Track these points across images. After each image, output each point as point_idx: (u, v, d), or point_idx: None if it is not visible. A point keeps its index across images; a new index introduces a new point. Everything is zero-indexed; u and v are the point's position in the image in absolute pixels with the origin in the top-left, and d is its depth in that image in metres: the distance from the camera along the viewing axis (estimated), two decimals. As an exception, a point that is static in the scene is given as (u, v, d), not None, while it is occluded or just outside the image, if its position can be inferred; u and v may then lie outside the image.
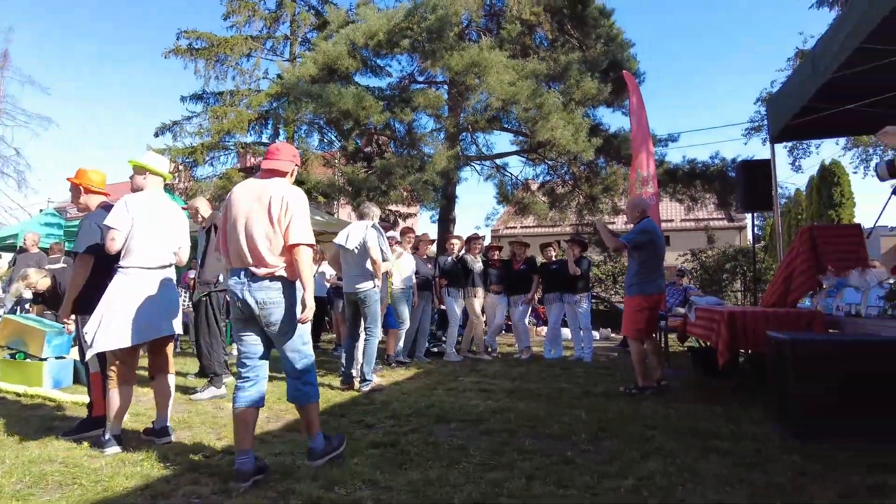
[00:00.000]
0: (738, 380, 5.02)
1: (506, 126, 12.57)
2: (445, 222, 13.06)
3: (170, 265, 3.79)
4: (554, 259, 8.06)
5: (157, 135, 15.08)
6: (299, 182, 12.47)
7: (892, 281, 3.82)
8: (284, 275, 2.96)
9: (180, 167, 14.43)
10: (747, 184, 7.35)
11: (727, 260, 13.10)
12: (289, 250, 2.95)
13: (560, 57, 11.10)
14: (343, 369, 5.53)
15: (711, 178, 12.10)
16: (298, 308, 3.00)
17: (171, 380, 3.79)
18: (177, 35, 15.03)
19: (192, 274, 7.57)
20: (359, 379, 5.41)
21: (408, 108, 10.99)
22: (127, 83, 71.17)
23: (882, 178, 2.51)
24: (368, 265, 5.45)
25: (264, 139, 15.21)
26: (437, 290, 7.88)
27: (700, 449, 3.26)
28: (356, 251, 5.43)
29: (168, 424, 3.64)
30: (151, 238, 3.63)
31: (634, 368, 5.14)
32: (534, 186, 14.39)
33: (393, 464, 3.03)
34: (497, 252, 8.29)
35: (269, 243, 2.93)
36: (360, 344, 5.62)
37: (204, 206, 5.58)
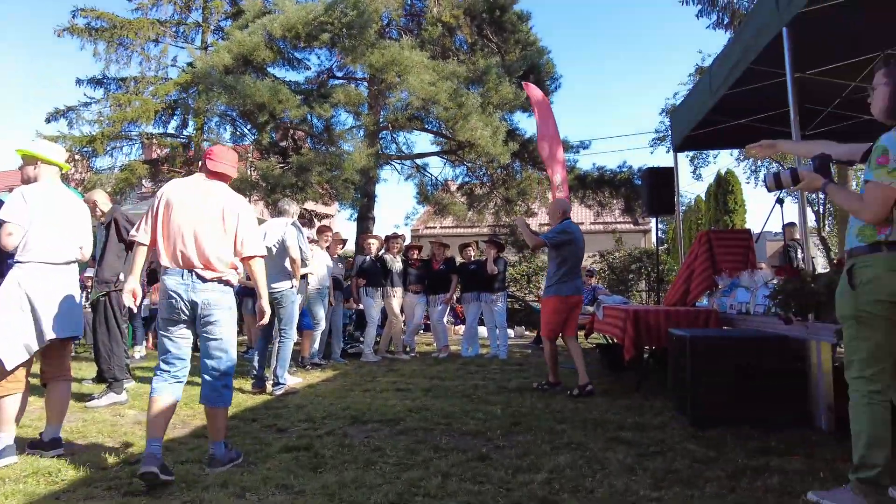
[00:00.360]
0: (642, 374, 5.30)
1: (426, 126, 12.61)
2: (364, 221, 12.91)
3: (73, 262, 3.50)
4: (472, 259, 8.19)
5: (48, 121, 13.82)
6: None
7: (775, 281, 4.18)
8: (229, 279, 3.06)
9: (76, 157, 13.32)
10: (652, 190, 7.80)
11: (633, 261, 13.86)
12: (244, 261, 3.13)
13: (479, 60, 11.28)
14: (255, 372, 5.33)
15: (619, 184, 12.74)
16: (257, 312, 3.27)
17: (68, 386, 3.50)
18: (72, 13, 13.83)
19: (89, 272, 7.04)
20: (271, 382, 5.23)
21: (326, 103, 10.77)
22: (11, 62, 64.99)
23: (769, 190, 2.73)
24: (286, 264, 5.27)
25: (171, 130, 14.38)
26: (355, 291, 7.79)
27: (607, 440, 3.42)
28: (273, 249, 5.24)
29: (59, 435, 3.32)
30: (51, 231, 3.33)
31: (547, 365, 5.25)
32: (453, 187, 14.55)
33: (307, 467, 2.96)
34: (417, 252, 8.31)
35: (220, 250, 3.01)
36: (274, 346, 5.45)
37: (103, 200, 5.15)
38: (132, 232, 3.11)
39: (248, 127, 12.54)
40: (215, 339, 3.02)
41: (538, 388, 5.13)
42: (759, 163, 20.74)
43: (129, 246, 5.03)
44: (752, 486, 2.55)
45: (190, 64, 12.89)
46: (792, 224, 7.77)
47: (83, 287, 7.43)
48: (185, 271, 2.95)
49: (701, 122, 6.67)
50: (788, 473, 2.71)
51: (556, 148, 8.64)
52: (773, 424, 3.53)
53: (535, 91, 9.00)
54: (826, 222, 19.58)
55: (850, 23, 4.69)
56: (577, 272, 5.22)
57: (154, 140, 14.42)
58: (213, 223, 3.01)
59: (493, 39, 12.66)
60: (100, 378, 5.22)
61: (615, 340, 6.15)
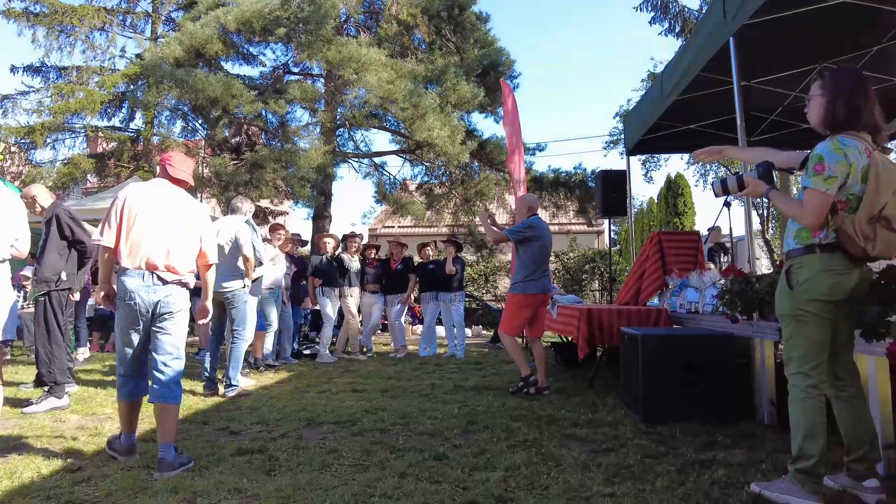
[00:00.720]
0: (595, 371, 5.41)
1: (385, 125, 12.55)
2: (320, 220, 12.75)
3: (4, 260, 3.32)
4: (431, 259, 8.19)
5: (-22, 108, 13.12)
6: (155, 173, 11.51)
7: (722, 282, 4.34)
8: (187, 282, 3.22)
9: (13, 148, 12.66)
10: (605, 192, 7.98)
11: (586, 262, 14.15)
12: (204, 267, 3.40)
13: (437, 60, 11.30)
14: (206, 374, 5.16)
15: (574, 186, 12.98)
16: (198, 311, 3.53)
17: (0, 392, 3.31)
18: (7, -5, 13.13)
19: (26, 271, 6.70)
20: (223, 384, 5.08)
21: (281, 99, 10.58)
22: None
23: (717, 195, 2.84)
24: (238, 263, 5.12)
25: (118, 123, 13.84)
26: (311, 290, 7.68)
27: (562, 437, 3.48)
28: (226, 248, 5.06)
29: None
30: None
31: (514, 361, 5.08)
32: (412, 187, 14.52)
33: (260, 470, 2.89)
34: (374, 251, 8.26)
35: (185, 255, 3.20)
36: (227, 347, 5.30)
37: (43, 195, 4.88)
38: (95, 236, 3.16)
39: (200, 122, 12.20)
40: (169, 338, 3.11)
41: (515, 392, 4.85)
42: (708, 167, 21.52)
43: (72, 244, 4.81)
44: (699, 480, 2.64)
45: (138, 55, 12.44)
46: (716, 227, 8.06)
47: (19, 287, 7.09)
48: (147, 273, 3.04)
49: (653, 127, 6.87)
50: (733, 466, 2.81)
51: (520, 146, 8.78)
52: (720, 419, 3.66)
53: (507, 89, 9.16)
54: (770, 225, 20.46)
55: (792, 36, 4.92)
56: (544, 270, 5.03)
57: (100, 133, 13.84)
58: (181, 229, 3.18)
59: (451, 39, 12.69)
60: (39, 382, 4.97)
61: (569, 339, 6.27)
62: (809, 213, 2.31)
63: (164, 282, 3.07)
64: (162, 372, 3.05)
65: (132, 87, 12.97)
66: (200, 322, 3.60)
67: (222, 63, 11.81)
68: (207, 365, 5.17)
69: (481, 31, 12.58)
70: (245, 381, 5.52)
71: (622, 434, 3.51)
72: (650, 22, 14.15)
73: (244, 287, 5.18)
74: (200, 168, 12.52)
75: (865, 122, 2.33)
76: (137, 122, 14.07)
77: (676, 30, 13.91)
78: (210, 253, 3.39)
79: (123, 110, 13.66)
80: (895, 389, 2.73)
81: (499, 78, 11.29)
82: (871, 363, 2.72)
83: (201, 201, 16.99)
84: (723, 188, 2.75)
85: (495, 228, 5.20)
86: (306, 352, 7.84)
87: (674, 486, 2.56)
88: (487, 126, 28.21)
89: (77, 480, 2.73)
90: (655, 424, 3.67)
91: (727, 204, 6.42)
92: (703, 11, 12.43)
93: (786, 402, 2.46)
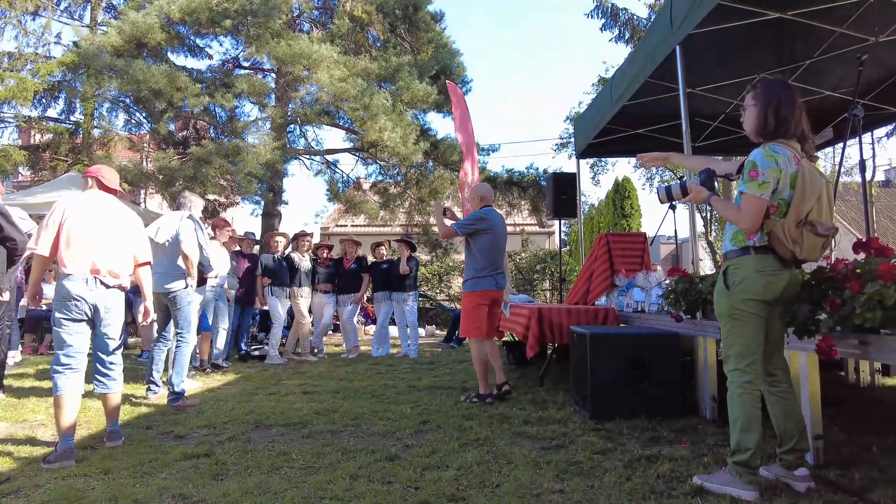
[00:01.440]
0: (545, 370, 5.50)
1: (338, 122, 12.39)
2: (270, 218, 12.47)
3: None
4: (385, 258, 8.14)
5: None
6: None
7: (668, 282, 4.48)
8: (125, 285, 3.50)
9: (-65, 138, 11.86)
10: (556, 193, 8.12)
11: (538, 262, 14.38)
12: (138, 267, 3.62)
13: (391, 58, 11.23)
14: (150, 377, 4.88)
15: (526, 186, 13.16)
16: (142, 312, 3.66)
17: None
18: (-68, -24, 12.28)
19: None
20: (167, 392, 4.71)
21: (229, 93, 10.28)
22: None
23: (661, 201, 2.95)
24: (180, 262, 4.83)
25: (54, 114, 13.14)
26: (260, 290, 7.51)
27: (513, 435, 3.52)
28: (167, 245, 4.78)
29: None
30: None
31: (476, 374, 4.67)
32: (366, 185, 14.39)
33: (207, 475, 2.81)
34: (327, 251, 8.14)
35: (124, 259, 3.49)
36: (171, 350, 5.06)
37: None
38: (30, 244, 3.36)
39: (145, 115, 11.73)
40: (111, 336, 3.41)
41: (466, 402, 4.49)
42: (654, 171, 22.24)
43: (1, 241, 4.54)
44: (645, 474, 2.71)
45: (76, 43, 11.84)
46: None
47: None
48: (91, 277, 3.29)
49: (602, 131, 7.03)
50: (677, 460, 2.91)
51: (472, 148, 8.79)
52: (665, 415, 3.79)
53: (457, 91, 9.12)
54: (712, 228, 21.28)
55: (734, 47, 5.14)
56: (497, 265, 4.66)
57: (34, 124, 13.11)
58: (119, 235, 3.47)
59: (405, 38, 12.65)
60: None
61: (518, 338, 6.35)
62: (747, 217, 2.43)
63: (107, 286, 3.35)
64: (106, 366, 3.39)
65: (70, 76, 12.33)
66: (143, 323, 3.71)
67: (167, 54, 11.38)
68: (152, 367, 4.89)
69: (435, 31, 12.58)
70: (190, 384, 5.34)
71: (571, 431, 3.58)
72: (601, 28, 14.51)
73: (187, 287, 4.87)
74: (145, 163, 12.06)
75: (794, 131, 2.47)
76: (77, 114, 13.38)
77: (626, 36, 14.29)
78: (143, 253, 3.65)
79: (60, 101, 12.98)
80: (823, 384, 2.89)
81: (452, 79, 11.32)
82: (803, 359, 2.87)
83: (146, 197, 16.38)
84: (667, 194, 2.86)
85: (446, 222, 4.90)
86: (255, 353, 7.65)
87: (621, 481, 2.63)
88: (442, 125, 28.24)
89: (5, 492, 2.58)
90: (603, 421, 3.76)
91: (672, 207, 6.64)
92: (652, 20, 12.84)
93: (726, 398, 2.57)
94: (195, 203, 5.21)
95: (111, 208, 3.54)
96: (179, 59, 12.35)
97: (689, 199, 2.77)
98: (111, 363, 3.43)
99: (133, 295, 7.48)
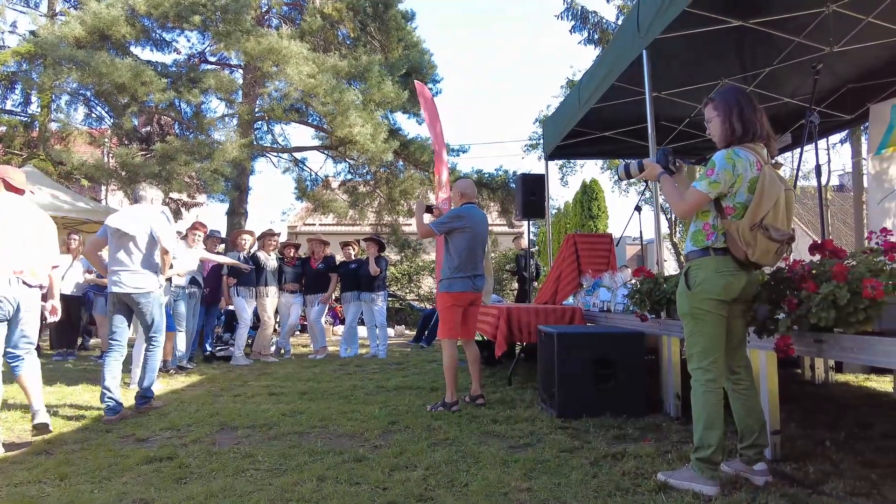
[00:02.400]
0: (513, 368, 5.54)
1: (307, 120, 12.26)
2: (235, 216, 12.26)
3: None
4: (354, 258, 8.08)
5: None
6: (59, 162, 10.64)
7: (633, 282, 4.56)
8: (45, 283, 3.71)
9: None
10: (524, 195, 8.18)
11: (507, 262, 14.47)
12: (50, 267, 3.76)
13: (362, 57, 11.17)
14: (106, 394, 4.19)
15: (495, 187, 13.23)
16: (49, 309, 3.89)
17: None
18: None
19: None
20: (135, 396, 4.44)
21: (196, 88, 10.07)
22: None
23: (620, 178, 3.08)
24: (155, 258, 4.43)
25: (10, 106, 12.64)
26: (226, 290, 7.38)
27: (481, 434, 3.54)
28: (138, 241, 4.32)
29: None
30: None
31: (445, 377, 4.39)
32: (335, 184, 14.26)
33: (170, 479, 2.74)
34: (294, 250, 8.04)
35: (41, 258, 3.65)
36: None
37: None
38: None
39: (107, 109, 11.39)
40: (27, 333, 3.62)
41: (432, 410, 4.21)
42: (621, 181, 22.64)
43: None
44: (611, 472, 2.76)
45: (33, 32, 11.42)
46: (519, 236, 8.47)
47: None
48: (13, 278, 3.45)
49: (570, 133, 7.11)
50: (642, 457, 2.96)
51: (441, 149, 8.79)
52: (630, 413, 3.86)
53: (425, 91, 9.09)
54: (677, 229, 21.73)
55: (698, 53, 5.26)
56: (474, 265, 4.43)
57: (-12, 116, 12.60)
58: (36, 235, 3.64)
59: (376, 36, 12.59)
60: None
61: (487, 337, 6.38)
62: (684, 205, 2.56)
63: (29, 285, 3.54)
64: (22, 354, 3.62)
65: (26, 66, 11.88)
66: (52, 320, 3.95)
67: (131, 47, 11.08)
68: (105, 380, 4.20)
69: (406, 31, 12.56)
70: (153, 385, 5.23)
71: (539, 429, 3.61)
72: (570, 31, 14.65)
73: (160, 287, 4.53)
74: (106, 158, 11.72)
75: (760, 132, 2.55)
76: (33, 106, 12.90)
77: (595, 39, 14.48)
78: (55, 254, 3.84)
79: (16, 91, 12.49)
80: (781, 381, 2.99)
81: (421, 81, 11.31)
82: (762, 357, 2.96)
83: (107, 193, 15.91)
84: (626, 171, 2.95)
85: (425, 220, 4.67)
86: (220, 354, 7.52)
87: (587, 478, 2.67)
88: (412, 126, 28.21)
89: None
90: (570, 419, 3.81)
91: (637, 208, 6.74)
92: (619, 24, 13.06)
93: (690, 396, 2.63)
94: (155, 195, 4.79)
95: (23, 209, 3.66)
96: (145, 53, 12.03)
97: (644, 175, 2.85)
98: (29, 354, 3.65)
99: (95, 293, 7.33)
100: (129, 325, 4.49)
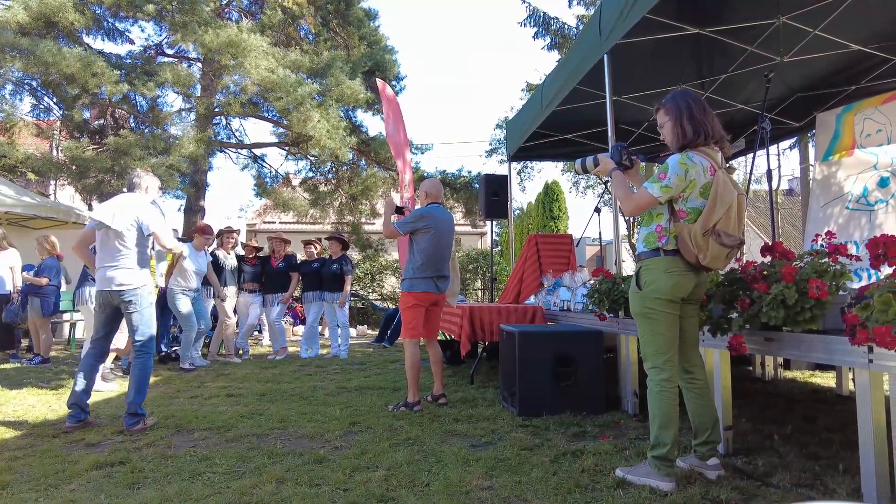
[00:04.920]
0: (475, 368, 5.57)
1: (265, 115, 12.03)
2: (192, 213, 11.95)
3: None
4: (316, 256, 7.97)
5: None
6: (1, 155, 10.16)
7: (592, 282, 4.65)
8: None
9: None
10: (487, 195, 8.23)
11: (470, 262, 14.52)
12: None
13: (323, 53, 11.04)
14: (73, 399, 3.78)
15: (459, 188, 13.27)
16: None
17: None
18: None
19: None
20: (125, 414, 3.75)
21: (151, 81, 9.77)
22: None
23: (577, 173, 3.12)
24: (142, 252, 3.98)
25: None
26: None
27: (443, 433, 3.54)
28: (125, 235, 3.89)
29: None
30: None
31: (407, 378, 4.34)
32: (295, 182, 14.05)
33: (122, 484, 2.65)
34: (254, 251, 7.89)
35: None
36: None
37: None
38: None
39: (55, 100, 10.93)
40: None
41: (394, 411, 4.19)
42: (578, 176, 23.01)
43: None
44: (571, 469, 2.80)
45: (-27, 18, 10.86)
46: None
47: None
48: None
49: (532, 135, 7.20)
50: (601, 454, 3.02)
51: (404, 149, 8.76)
52: (590, 410, 3.93)
53: (388, 90, 9.04)
54: (635, 231, 22.23)
55: (658, 58, 5.39)
56: (437, 267, 4.38)
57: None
58: None
59: (338, 33, 12.46)
60: None
61: (452, 337, 6.40)
62: (632, 204, 2.61)
63: None
64: None
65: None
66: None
67: (82, 36, 10.66)
68: (77, 387, 3.83)
69: (369, 28, 12.48)
70: (106, 385, 5.05)
71: (500, 428, 3.64)
72: (534, 36, 14.82)
73: (147, 285, 4.01)
74: (55, 151, 11.25)
75: (713, 134, 2.59)
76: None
77: (557, 44, 14.68)
78: None
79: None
80: (733, 378, 3.09)
81: (384, 79, 11.26)
82: (716, 355, 3.05)
83: (56, 188, 15.27)
84: (582, 166, 3.00)
85: (392, 221, 4.56)
86: (174, 354, 7.30)
87: (547, 476, 2.70)
88: (374, 124, 28.05)
89: None
90: (531, 417, 3.85)
91: (597, 210, 6.86)
92: (581, 30, 13.27)
93: (647, 394, 2.69)
94: (151, 183, 4.25)
95: None
96: (97, 44, 11.60)
97: (598, 170, 2.90)
98: None
99: (29, 293, 7.02)
100: (116, 329, 4.12)
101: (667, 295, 2.56)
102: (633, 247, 22.55)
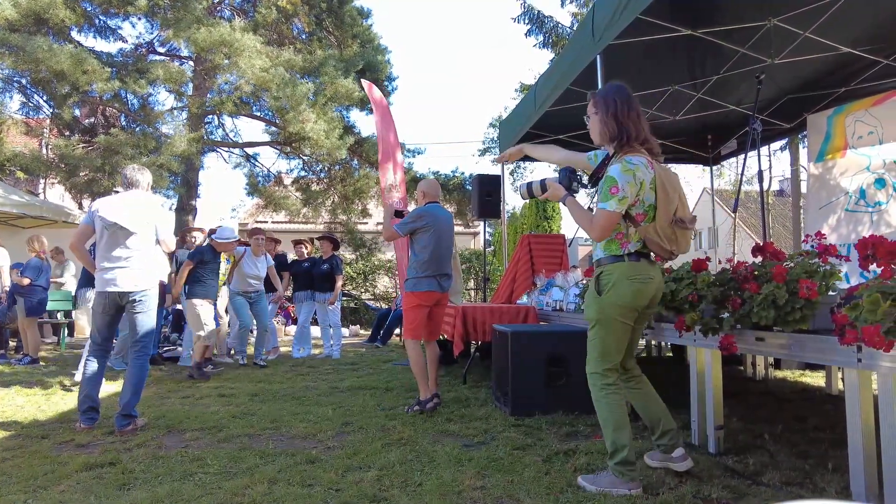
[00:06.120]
0: (468, 367, 5.57)
1: (258, 114, 11.99)
2: (184, 212, 11.89)
3: None
4: (307, 256, 7.95)
5: None
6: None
7: (584, 281, 4.66)
8: None
9: None
10: (480, 195, 8.23)
11: (463, 262, 14.53)
12: None
13: (317, 52, 11.01)
14: (90, 403, 3.78)
15: (452, 188, 13.28)
16: None
17: None
18: None
19: None
20: (120, 415, 3.70)
21: (143, 79, 9.70)
22: None
23: (523, 198, 3.01)
24: (151, 253, 3.93)
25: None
26: (174, 288, 7.14)
27: (436, 433, 3.54)
28: (139, 235, 3.83)
29: None
30: None
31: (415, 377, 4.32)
32: (288, 181, 14.00)
33: (112, 485, 2.63)
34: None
35: None
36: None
37: None
38: None
39: (45, 98, 10.85)
40: None
41: (409, 412, 4.15)
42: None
43: None
44: (563, 468, 2.81)
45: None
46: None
47: None
48: None
49: (525, 135, 7.20)
50: (593, 454, 3.03)
51: (394, 150, 8.73)
52: (582, 409, 3.93)
53: (375, 92, 9.00)
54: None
55: (650, 59, 5.41)
56: (439, 265, 4.34)
57: None
58: None
59: (332, 32, 12.44)
60: None
61: (444, 336, 6.40)
62: (597, 228, 2.49)
63: None
64: None
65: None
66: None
67: (73, 33, 10.58)
68: (90, 388, 3.82)
69: (362, 27, 12.47)
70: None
71: (493, 427, 3.64)
72: (526, 34, 14.85)
73: (154, 288, 3.99)
74: (44, 150, 11.16)
75: (636, 136, 2.54)
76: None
77: (550, 43, 14.71)
78: None
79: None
80: (724, 377, 3.11)
81: (377, 79, 11.25)
82: (708, 355, 3.07)
83: (46, 187, 15.14)
84: (528, 191, 2.89)
85: (389, 224, 4.54)
86: (167, 355, 7.27)
87: (540, 475, 2.71)
88: (367, 124, 27.97)
89: None
90: (523, 417, 3.86)
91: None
92: (574, 29, 13.30)
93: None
94: (150, 181, 4.17)
95: None
96: (88, 41, 11.51)
97: (547, 196, 2.78)
98: None
99: (16, 293, 6.95)
100: (116, 329, 4.07)
101: (627, 303, 2.50)
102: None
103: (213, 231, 7.56)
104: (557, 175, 2.77)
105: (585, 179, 2.74)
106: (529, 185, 2.86)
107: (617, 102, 2.56)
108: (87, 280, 5.89)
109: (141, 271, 3.85)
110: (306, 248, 8.04)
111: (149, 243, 3.90)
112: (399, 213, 4.67)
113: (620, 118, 2.54)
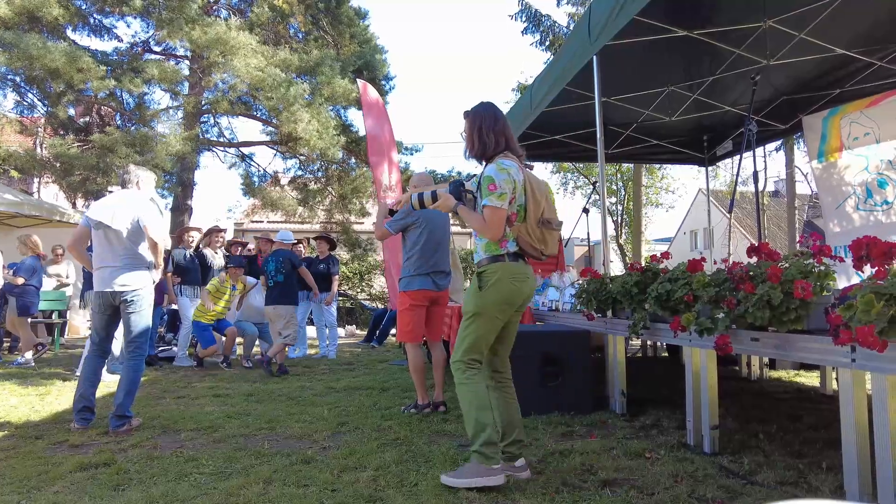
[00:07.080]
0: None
1: (254, 114, 11.97)
2: (179, 212, 11.85)
3: None
4: (303, 256, 7.94)
5: None
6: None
7: (580, 282, 4.66)
8: None
9: None
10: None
11: (459, 261, 14.54)
12: None
13: (313, 51, 10.99)
14: (84, 402, 3.78)
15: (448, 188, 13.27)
16: None
17: None
18: None
19: None
20: (113, 416, 3.70)
21: (138, 78, 9.67)
22: None
23: (414, 208, 3.02)
24: (142, 251, 3.89)
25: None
26: (170, 287, 7.12)
27: (432, 434, 3.54)
28: (125, 233, 3.80)
29: None
30: None
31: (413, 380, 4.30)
32: (284, 180, 13.98)
33: (106, 486, 2.62)
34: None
35: None
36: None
37: None
38: None
39: (39, 96, 10.80)
40: None
41: (405, 412, 4.14)
42: (569, 176, 23.13)
43: None
44: (558, 468, 2.81)
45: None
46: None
47: None
48: None
49: (521, 136, 7.20)
50: (589, 453, 3.03)
51: (389, 150, 8.72)
52: (577, 409, 3.94)
53: (370, 92, 8.99)
54: (622, 231, 22.36)
55: (647, 60, 5.43)
56: (433, 261, 4.20)
57: None
58: None
59: (328, 31, 12.43)
60: None
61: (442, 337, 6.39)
62: (491, 227, 2.60)
63: None
64: None
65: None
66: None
67: (67, 32, 10.54)
68: (89, 387, 3.83)
69: (359, 27, 12.45)
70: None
71: (489, 428, 3.64)
72: (523, 32, 14.84)
73: (148, 286, 3.93)
74: (39, 149, 11.12)
75: (504, 146, 2.72)
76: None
77: (546, 42, 14.71)
78: None
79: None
80: (719, 378, 3.12)
81: (374, 78, 11.24)
82: (703, 355, 3.08)
83: (40, 186, 15.07)
84: (420, 202, 2.92)
85: (380, 223, 4.42)
86: (162, 354, 7.24)
87: (535, 475, 2.71)
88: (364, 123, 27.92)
89: None
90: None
91: (585, 210, 6.89)
92: (571, 30, 13.32)
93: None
94: (144, 179, 4.10)
95: None
96: (83, 40, 11.48)
97: (438, 206, 2.83)
98: None
99: (7, 292, 6.92)
100: (115, 330, 4.05)
101: (505, 299, 2.64)
102: (620, 247, 22.71)
103: (212, 231, 7.56)
104: (448, 187, 2.87)
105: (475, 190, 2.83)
106: (421, 195, 2.92)
107: (484, 119, 2.75)
108: (90, 281, 5.88)
109: (132, 271, 3.81)
110: (303, 248, 8.02)
111: (139, 242, 3.86)
112: (392, 213, 4.64)
113: (485, 133, 2.72)
